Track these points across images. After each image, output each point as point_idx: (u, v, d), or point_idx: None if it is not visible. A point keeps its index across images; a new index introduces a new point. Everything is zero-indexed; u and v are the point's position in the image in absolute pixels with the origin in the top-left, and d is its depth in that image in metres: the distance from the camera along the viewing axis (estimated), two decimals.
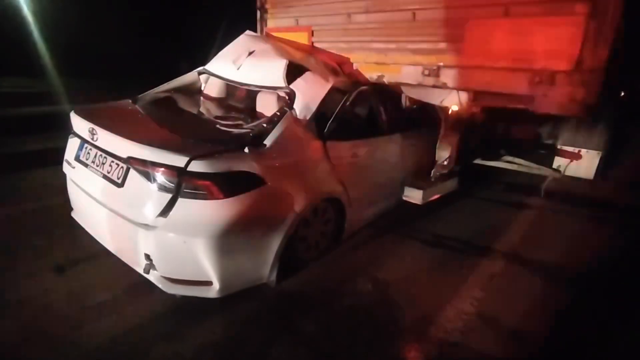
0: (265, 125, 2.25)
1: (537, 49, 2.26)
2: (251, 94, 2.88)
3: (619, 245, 3.23)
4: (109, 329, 1.93)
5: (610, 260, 2.94)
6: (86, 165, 2.24)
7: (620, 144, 3.90)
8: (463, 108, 2.84)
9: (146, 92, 2.91)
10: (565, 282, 2.65)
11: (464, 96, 2.74)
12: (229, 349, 1.88)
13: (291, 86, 2.46)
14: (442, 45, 2.65)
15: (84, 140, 2.29)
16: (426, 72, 2.79)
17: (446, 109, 3.06)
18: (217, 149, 1.95)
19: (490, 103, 2.68)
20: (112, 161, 2.07)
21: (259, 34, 3.84)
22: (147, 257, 1.96)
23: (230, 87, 3.08)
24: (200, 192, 1.85)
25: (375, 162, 2.97)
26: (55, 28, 9.46)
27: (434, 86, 2.80)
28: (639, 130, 4.45)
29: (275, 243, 2.13)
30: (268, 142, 2.14)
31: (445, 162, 3.31)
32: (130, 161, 1.95)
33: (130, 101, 2.78)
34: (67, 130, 2.50)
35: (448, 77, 2.70)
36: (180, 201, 1.86)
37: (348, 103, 2.68)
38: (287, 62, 2.57)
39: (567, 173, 3.51)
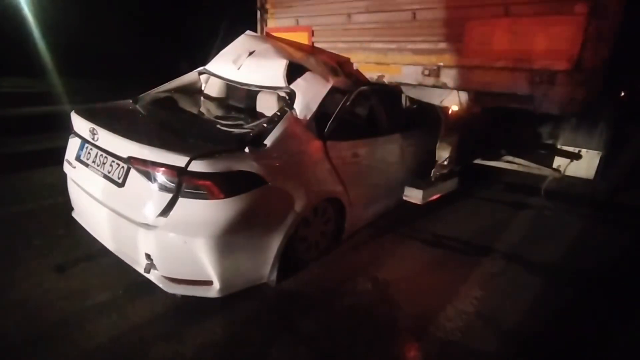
0: (265, 125, 2.25)
1: (537, 48, 2.26)
2: (251, 94, 2.88)
3: (619, 245, 3.23)
4: (109, 329, 1.93)
5: (610, 260, 2.95)
6: (87, 165, 2.24)
7: (620, 144, 3.90)
8: (463, 108, 2.85)
9: (147, 92, 2.91)
10: (565, 282, 2.65)
11: (464, 96, 2.74)
12: (230, 349, 1.88)
13: (291, 86, 2.47)
14: (442, 45, 2.66)
15: (84, 140, 2.29)
16: (426, 72, 2.79)
17: (446, 109, 3.06)
18: (217, 148, 1.95)
19: (490, 103, 2.69)
20: (113, 161, 2.07)
21: (259, 34, 3.84)
22: (148, 256, 1.96)
23: (231, 87, 3.08)
24: (201, 191, 1.85)
25: (376, 162, 2.97)
26: (55, 28, 9.47)
27: (434, 86, 2.80)
28: (639, 130, 4.45)
29: (275, 243, 2.13)
30: (268, 142, 2.14)
31: (445, 162, 3.31)
32: (131, 161, 1.95)
33: (130, 101, 2.78)
34: (67, 130, 2.50)
35: (448, 77, 2.70)
36: (181, 201, 1.86)
37: (348, 103, 2.68)
38: (288, 62, 2.57)
39: (567, 173, 3.51)
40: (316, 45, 3.44)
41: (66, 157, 2.47)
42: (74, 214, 2.55)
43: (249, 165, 1.97)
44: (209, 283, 2.00)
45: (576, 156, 3.44)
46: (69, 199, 2.57)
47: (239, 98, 3.21)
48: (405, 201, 3.24)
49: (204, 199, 1.86)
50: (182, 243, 1.89)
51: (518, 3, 2.31)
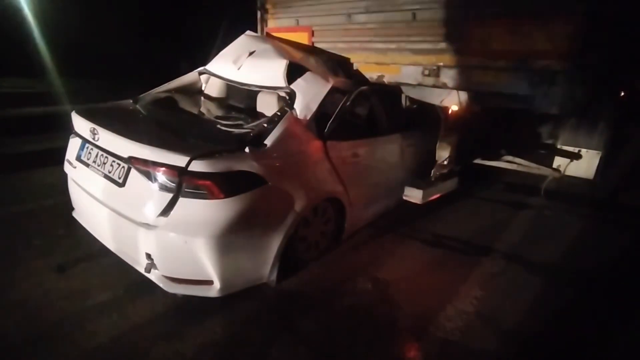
0: (265, 125, 2.26)
1: (537, 48, 2.26)
2: (251, 94, 2.89)
3: (619, 245, 3.24)
4: (109, 329, 1.93)
5: (610, 260, 2.95)
6: (87, 165, 2.24)
7: (620, 144, 3.90)
8: (463, 108, 2.85)
9: (147, 92, 2.91)
10: (565, 282, 2.65)
11: (463, 96, 2.74)
12: (230, 349, 1.89)
13: (291, 86, 2.47)
14: (442, 45, 2.66)
15: (85, 140, 2.30)
16: (426, 72, 2.80)
17: (446, 109, 3.06)
18: (217, 148, 1.95)
19: (490, 103, 2.69)
20: (114, 161, 2.07)
21: (259, 34, 3.85)
22: (148, 256, 1.96)
23: (231, 87, 3.08)
24: (201, 191, 1.86)
25: (376, 162, 2.97)
26: (55, 28, 9.45)
27: (434, 86, 2.80)
28: (639, 130, 4.45)
29: (275, 243, 2.13)
30: (268, 142, 2.14)
31: (445, 162, 3.31)
32: (132, 161, 1.96)
33: (131, 101, 2.79)
34: (67, 130, 2.50)
35: (448, 77, 2.71)
36: (181, 201, 1.86)
37: (348, 103, 2.68)
38: (288, 62, 2.57)
39: (567, 173, 3.51)
40: (316, 45, 3.44)
41: (67, 157, 2.48)
42: (75, 214, 2.55)
43: (249, 165, 1.97)
44: (209, 283, 2.00)
45: (576, 156, 3.44)
46: (69, 199, 2.58)
47: (239, 98, 3.21)
48: (405, 201, 3.24)
49: (204, 198, 1.86)
50: (183, 243, 1.89)
51: (518, 3, 2.31)
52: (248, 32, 3.27)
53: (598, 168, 3.38)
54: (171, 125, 2.41)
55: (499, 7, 2.36)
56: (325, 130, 2.47)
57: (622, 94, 3.99)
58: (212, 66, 3.01)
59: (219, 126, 2.48)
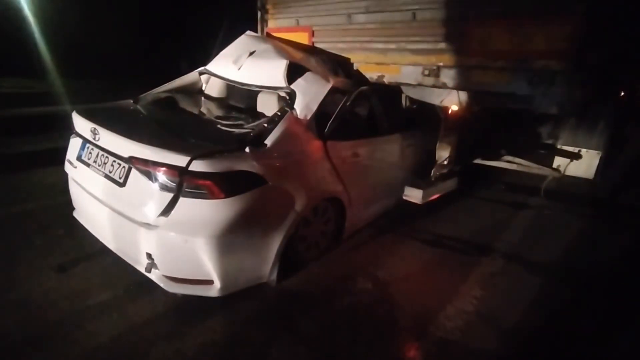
0: (265, 125, 2.26)
1: (536, 48, 2.26)
2: (252, 94, 2.89)
3: (619, 245, 3.24)
4: (110, 328, 1.94)
5: (610, 260, 2.95)
6: (88, 165, 2.25)
7: (620, 144, 3.90)
8: (463, 108, 2.85)
9: (147, 92, 2.92)
10: (565, 282, 2.65)
11: (463, 96, 2.75)
12: (230, 348, 1.89)
13: (292, 86, 2.47)
14: (442, 45, 2.66)
15: (86, 140, 2.30)
16: (426, 72, 2.80)
17: (446, 109, 3.06)
18: (218, 148, 1.95)
19: (490, 103, 2.69)
20: (114, 161, 2.08)
21: (259, 34, 3.85)
22: (149, 256, 1.96)
23: (231, 87, 3.09)
24: (202, 191, 1.86)
25: (376, 161, 2.98)
26: (55, 28, 9.46)
27: (434, 86, 2.81)
28: (639, 130, 4.45)
29: (275, 242, 2.14)
30: (269, 142, 2.14)
31: (445, 162, 3.32)
32: (132, 161, 1.96)
33: (131, 101, 2.79)
34: (67, 130, 2.51)
35: (448, 77, 2.71)
36: (182, 200, 1.87)
37: (348, 103, 2.68)
38: (288, 63, 2.58)
39: (567, 173, 3.51)
40: (316, 45, 3.45)
41: (67, 157, 2.48)
42: (75, 214, 2.56)
43: (249, 165, 1.98)
44: (209, 282, 2.00)
45: (576, 156, 3.44)
46: (69, 199, 2.58)
47: (240, 98, 3.22)
48: (405, 201, 3.24)
49: (204, 198, 1.87)
50: (183, 242, 1.89)
51: (518, 3, 2.32)
52: (248, 32, 3.27)
53: (598, 168, 3.39)
54: (171, 125, 2.41)
55: (499, 7, 2.36)
56: (326, 130, 2.47)
57: (622, 94, 4.00)
58: (212, 66, 3.02)
59: (219, 126, 2.49)
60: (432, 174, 3.33)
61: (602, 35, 2.42)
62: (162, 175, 1.89)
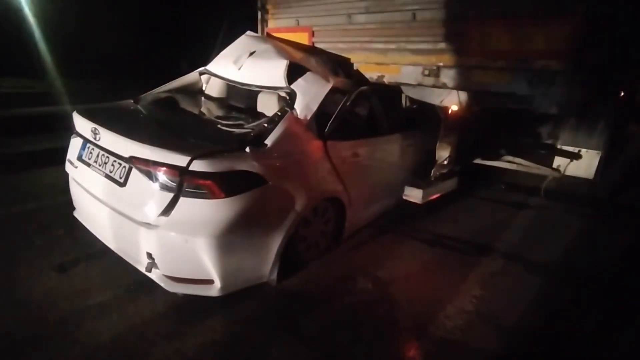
0: (266, 125, 2.26)
1: (536, 48, 2.27)
2: (252, 94, 2.89)
3: (619, 245, 3.24)
4: (110, 328, 1.94)
5: (610, 260, 2.95)
6: (89, 164, 2.25)
7: (620, 144, 3.91)
8: (463, 108, 2.85)
9: (148, 92, 2.92)
10: (565, 282, 2.66)
11: (463, 96, 2.75)
12: (230, 348, 1.89)
13: (292, 86, 2.47)
14: (442, 45, 2.67)
15: (86, 140, 2.30)
16: (426, 72, 2.80)
17: (446, 109, 3.07)
18: (218, 148, 1.96)
19: (489, 103, 2.69)
20: (115, 161, 2.08)
21: (259, 34, 3.85)
22: (149, 255, 1.97)
23: (231, 88, 3.09)
24: (202, 191, 1.86)
25: (376, 161, 2.98)
26: (55, 28, 9.47)
27: (434, 86, 2.81)
28: (639, 130, 4.46)
29: (276, 242, 2.14)
30: (269, 141, 2.15)
31: (445, 162, 3.32)
32: (133, 161, 1.96)
33: (132, 101, 2.79)
34: (67, 130, 2.51)
35: (448, 77, 2.71)
36: (182, 200, 1.87)
37: (348, 103, 2.69)
38: (288, 63, 2.58)
39: (567, 173, 3.52)
40: (316, 45, 3.45)
41: (68, 157, 2.48)
42: (76, 214, 2.56)
43: (249, 165, 1.98)
44: (210, 282, 2.01)
45: (576, 156, 3.44)
46: (69, 199, 2.58)
47: (240, 98, 3.22)
48: (405, 201, 3.25)
49: (205, 198, 1.87)
50: (184, 242, 1.89)
51: (518, 3, 2.32)
52: (248, 32, 3.27)
53: (598, 168, 3.39)
54: (172, 125, 2.41)
55: (499, 7, 2.37)
56: (326, 130, 2.48)
57: (622, 94, 4.00)
58: (212, 66, 3.02)
59: (219, 126, 2.49)
60: (432, 174, 3.33)
61: (602, 35, 2.42)
62: (162, 175, 1.89)
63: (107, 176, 2.10)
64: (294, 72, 2.55)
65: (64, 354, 1.78)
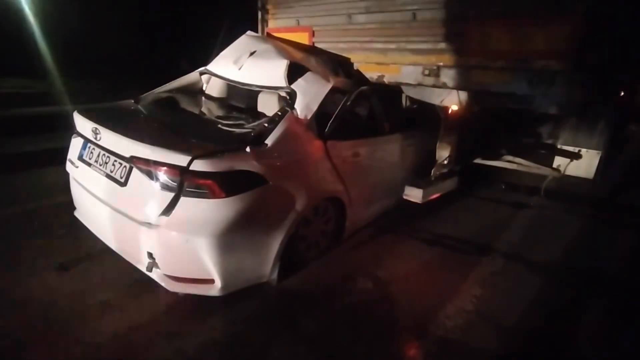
0: (266, 125, 2.26)
1: (536, 48, 2.27)
2: (252, 94, 2.90)
3: (619, 245, 3.24)
4: (111, 327, 1.94)
5: (610, 260, 2.96)
6: (89, 164, 2.25)
7: (620, 144, 3.91)
8: (463, 108, 2.86)
9: (148, 92, 2.92)
10: (565, 282, 2.66)
11: (463, 96, 2.75)
12: (230, 347, 1.89)
13: (292, 86, 2.48)
14: (442, 45, 2.67)
15: (87, 140, 2.31)
16: (426, 72, 2.81)
17: (446, 108, 3.07)
18: (218, 148, 1.96)
19: (490, 103, 2.70)
20: (115, 160, 2.08)
21: (260, 34, 3.86)
22: (150, 255, 1.97)
23: (232, 87, 3.09)
24: (203, 191, 1.87)
25: (376, 161, 2.98)
26: (55, 28, 9.47)
27: (434, 86, 2.82)
28: (639, 130, 4.46)
29: (276, 242, 2.14)
30: (269, 141, 2.15)
31: (445, 162, 3.32)
32: (133, 160, 1.97)
33: (132, 101, 2.80)
34: (67, 130, 2.52)
35: (448, 77, 2.72)
36: (183, 200, 1.87)
37: (349, 103, 2.69)
38: (289, 63, 2.58)
39: (567, 173, 3.52)
40: (317, 45, 3.45)
41: (69, 156, 2.49)
42: (76, 213, 2.56)
43: (250, 165, 1.98)
44: (210, 281, 2.01)
45: (576, 156, 3.45)
46: (70, 199, 2.58)
47: (240, 98, 3.22)
48: (406, 200, 3.25)
49: (205, 198, 1.87)
50: (184, 242, 1.90)
51: (518, 3, 2.32)
52: (249, 32, 3.28)
53: (598, 168, 3.39)
54: (172, 125, 2.42)
55: (499, 7, 2.37)
56: (326, 130, 2.48)
57: (622, 94, 4.00)
58: (213, 66, 3.02)
59: (220, 126, 2.50)
60: (432, 174, 3.34)
61: (602, 35, 2.43)
62: (163, 175, 1.89)
63: (108, 176, 2.10)
64: (294, 72, 2.55)
65: (65, 353, 1.79)
